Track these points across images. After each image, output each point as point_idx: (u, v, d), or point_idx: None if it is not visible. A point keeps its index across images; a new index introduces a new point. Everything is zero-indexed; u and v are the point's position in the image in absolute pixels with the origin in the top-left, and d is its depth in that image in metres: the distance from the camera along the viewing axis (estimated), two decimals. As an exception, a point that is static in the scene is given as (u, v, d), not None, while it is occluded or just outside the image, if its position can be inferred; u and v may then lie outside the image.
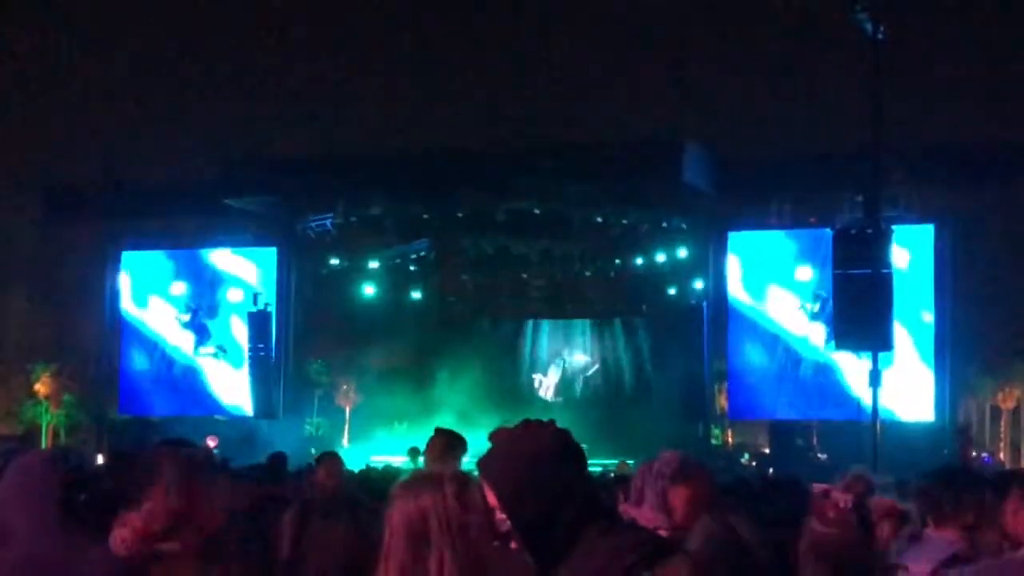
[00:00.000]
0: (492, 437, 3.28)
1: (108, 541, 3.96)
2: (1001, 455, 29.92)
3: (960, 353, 26.15)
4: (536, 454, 3.18)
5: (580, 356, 32.55)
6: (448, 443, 7.87)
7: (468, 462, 8.73)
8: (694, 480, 5.68)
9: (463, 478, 3.31)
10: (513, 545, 3.20)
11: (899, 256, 21.45)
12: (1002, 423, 33.40)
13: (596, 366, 32.35)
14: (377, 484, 9.59)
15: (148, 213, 30.48)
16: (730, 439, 29.45)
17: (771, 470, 22.27)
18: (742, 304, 26.36)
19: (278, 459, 13.92)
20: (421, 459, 16.61)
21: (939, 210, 25.15)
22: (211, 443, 27.18)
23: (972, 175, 25.70)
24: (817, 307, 24.61)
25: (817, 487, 5.53)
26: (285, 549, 4.69)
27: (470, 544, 3.18)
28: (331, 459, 9.70)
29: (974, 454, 27.00)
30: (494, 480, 3.17)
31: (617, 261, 29.55)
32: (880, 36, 18.56)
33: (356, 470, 17.92)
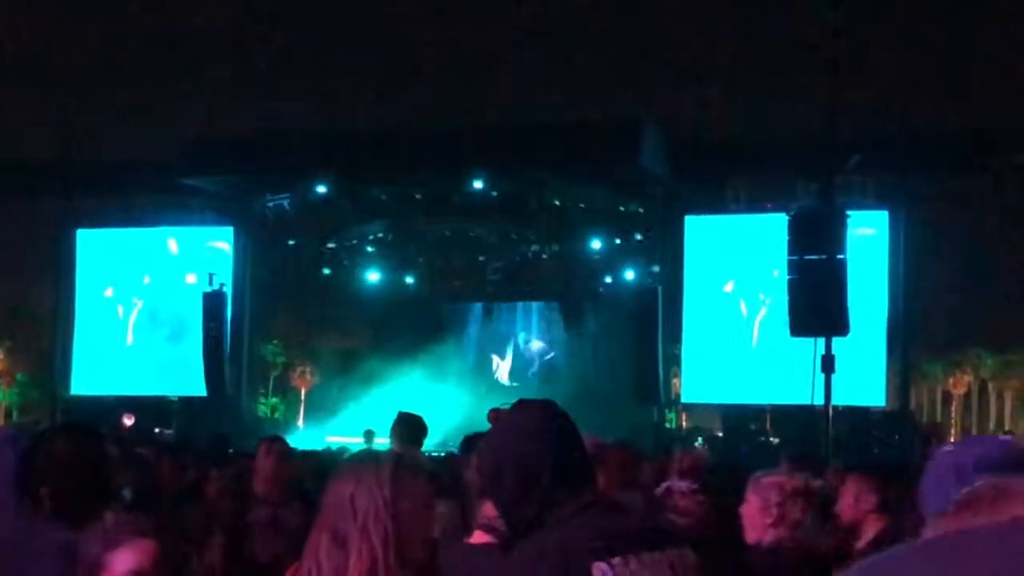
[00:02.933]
0: (489, 417, 3.34)
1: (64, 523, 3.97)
2: (951, 439, 30.19)
3: (911, 339, 26.38)
4: (514, 431, 3.21)
5: (535, 342, 32.67)
6: (411, 427, 7.94)
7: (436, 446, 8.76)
8: (609, 462, 5.78)
9: (403, 463, 3.28)
10: (476, 540, 3.22)
11: (859, 239, 21.57)
12: (953, 408, 33.78)
13: (549, 352, 32.48)
14: (330, 467, 9.57)
15: (104, 191, 30.31)
16: (684, 423, 29.61)
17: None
18: (697, 288, 26.49)
19: (219, 440, 13.96)
20: (376, 441, 16.70)
21: (893, 197, 25.33)
22: (127, 421, 27.13)
23: (928, 163, 25.88)
24: (770, 294, 24.73)
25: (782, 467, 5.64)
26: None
27: (395, 529, 3.15)
28: (271, 443, 8.03)
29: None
30: (479, 456, 3.21)
31: (574, 244, 29.61)
32: (839, 22, 18.65)
33: (310, 449, 17.96)
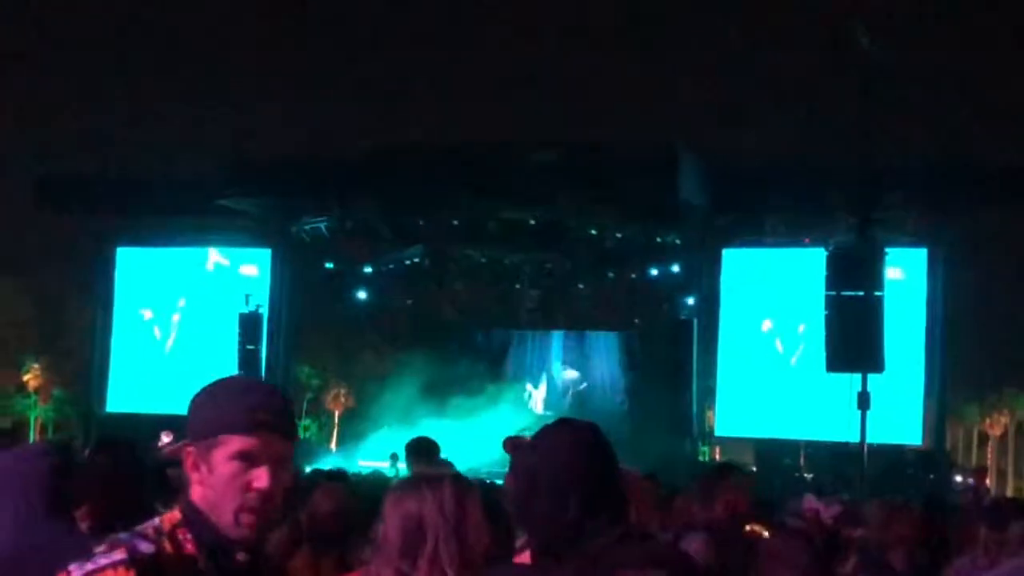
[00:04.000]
0: (505, 447, 3.30)
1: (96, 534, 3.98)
2: (988, 481, 29.96)
3: (948, 378, 26.21)
4: (547, 455, 3.15)
5: (570, 372, 32.58)
6: (423, 450, 8.03)
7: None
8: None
9: (462, 481, 3.34)
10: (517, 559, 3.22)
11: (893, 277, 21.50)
12: (989, 449, 33.49)
13: (583, 382, 32.40)
14: (364, 490, 9.52)
15: (144, 210, 30.48)
16: (717, 456, 29.49)
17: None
18: (733, 321, 26.42)
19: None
20: (400, 465, 16.70)
21: (932, 234, 25.22)
22: (165, 438, 27.15)
23: (968, 199, 25.76)
24: (807, 329, 24.63)
25: (807, 497, 5.60)
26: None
27: (464, 546, 3.21)
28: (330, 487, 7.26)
29: (959, 479, 27.08)
30: (514, 473, 3.18)
31: (610, 274, 29.58)
32: (877, 55, 18.64)
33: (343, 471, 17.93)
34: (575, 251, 29.01)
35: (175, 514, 2.74)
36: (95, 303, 30.42)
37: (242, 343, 26.61)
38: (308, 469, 15.02)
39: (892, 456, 23.87)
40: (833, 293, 19.65)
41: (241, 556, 2.71)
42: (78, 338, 34.94)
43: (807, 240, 25.05)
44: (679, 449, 26.25)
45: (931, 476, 23.92)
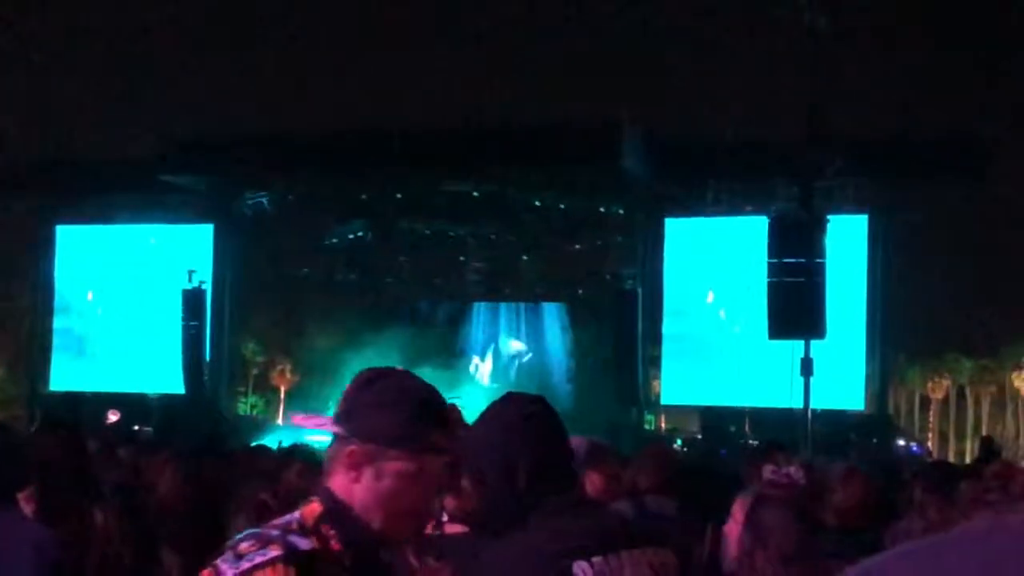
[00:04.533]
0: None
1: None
2: (929, 444, 30.30)
3: (890, 344, 26.45)
4: (495, 425, 3.17)
5: (515, 343, 32.66)
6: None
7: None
8: (603, 465, 5.75)
9: None
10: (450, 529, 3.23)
11: (839, 242, 21.66)
12: (931, 413, 33.85)
13: (528, 353, 32.48)
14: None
15: (83, 189, 30.20)
16: (663, 424, 29.63)
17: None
18: (677, 290, 26.54)
19: (217, 438, 13.88)
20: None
21: (873, 201, 25.39)
22: (112, 417, 27.02)
23: (910, 168, 25.94)
24: (750, 297, 24.80)
25: (767, 468, 5.62)
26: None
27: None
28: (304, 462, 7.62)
29: (901, 442, 27.37)
30: (465, 447, 3.18)
31: (554, 245, 29.63)
32: (820, 24, 18.77)
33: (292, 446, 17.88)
34: (519, 223, 29.05)
35: (314, 507, 2.66)
36: (36, 282, 30.17)
37: (186, 320, 26.48)
38: (254, 443, 14.98)
39: (835, 421, 24.08)
40: (775, 261, 19.81)
41: (385, 556, 2.67)
42: (19, 317, 34.61)
43: (748, 208, 25.19)
44: (625, 418, 26.39)
45: (874, 440, 24.15)
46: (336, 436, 2.72)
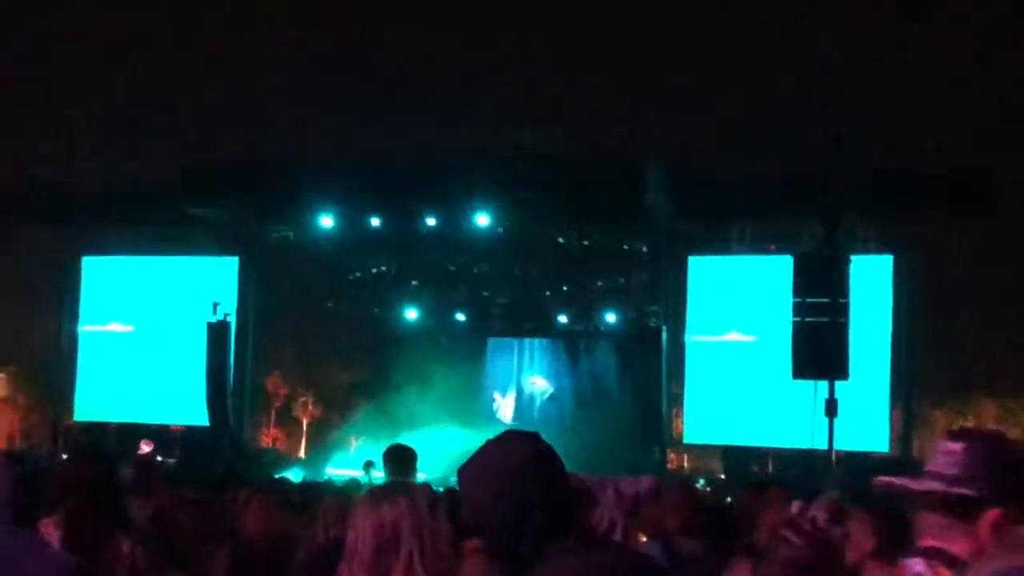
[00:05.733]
0: (478, 450, 3.27)
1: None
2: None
3: (915, 385, 26.32)
4: (506, 465, 3.16)
5: (538, 380, 32.56)
6: (402, 457, 7.96)
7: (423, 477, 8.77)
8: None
9: (432, 491, 3.35)
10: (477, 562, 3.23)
11: (863, 283, 21.57)
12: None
13: (550, 390, 32.38)
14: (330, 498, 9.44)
15: (108, 219, 30.31)
16: (685, 463, 29.55)
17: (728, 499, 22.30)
18: (700, 328, 26.47)
19: (231, 472, 13.89)
20: (375, 473, 16.68)
21: (898, 242, 25.32)
22: (145, 448, 27.03)
23: (933, 206, 25.86)
24: (774, 336, 24.72)
25: (795, 504, 5.56)
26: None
27: (437, 553, 3.21)
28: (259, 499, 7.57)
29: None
30: (466, 491, 3.17)
31: (577, 281, 29.59)
32: (841, 62, 18.82)
33: (315, 480, 17.94)
34: (543, 259, 29.02)
35: None
36: (61, 312, 30.26)
37: (210, 352, 26.52)
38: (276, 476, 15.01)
39: (859, 463, 23.96)
40: (800, 300, 19.77)
41: None
42: (45, 347, 34.72)
43: (773, 247, 25.15)
44: (648, 456, 26.27)
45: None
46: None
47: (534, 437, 3.27)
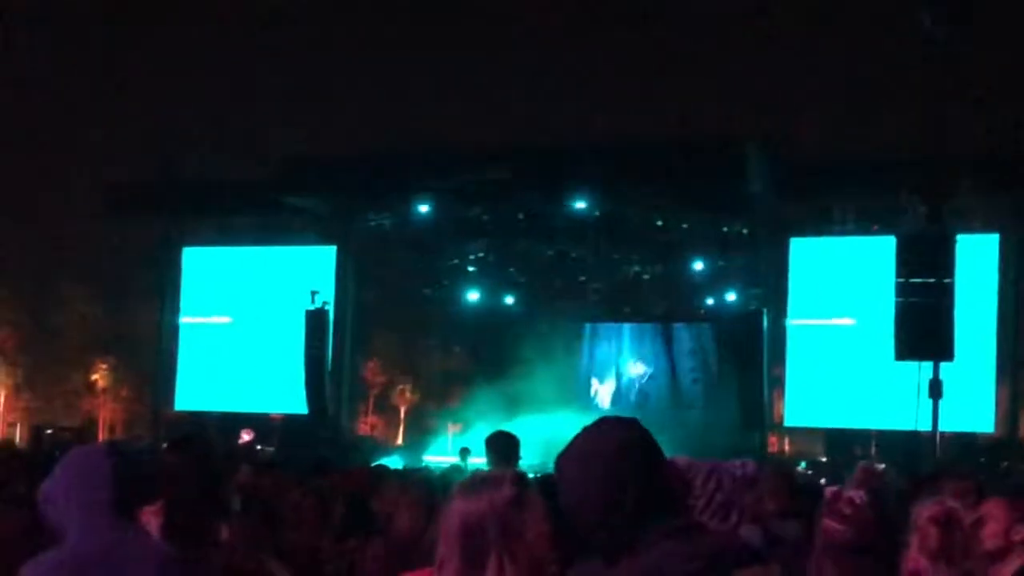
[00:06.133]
0: (576, 435, 3.21)
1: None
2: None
3: (1021, 365, 25.82)
4: (603, 450, 3.10)
5: (636, 365, 32.36)
6: (506, 444, 7.84)
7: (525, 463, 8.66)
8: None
9: (522, 480, 3.24)
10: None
11: (969, 262, 21.19)
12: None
13: (649, 374, 32.15)
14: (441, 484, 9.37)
15: (207, 211, 30.67)
16: (787, 447, 29.26)
17: (823, 480, 22.06)
18: (802, 310, 26.19)
19: (323, 459, 13.92)
20: (471, 459, 16.66)
21: (1003, 220, 24.88)
22: (246, 436, 27.27)
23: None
24: (877, 317, 24.38)
25: (829, 489, 5.41)
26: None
27: (526, 547, 3.12)
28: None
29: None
30: (563, 476, 3.12)
31: (676, 265, 29.36)
32: (943, 35, 18.43)
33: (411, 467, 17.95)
34: (641, 242, 28.83)
35: None
36: (162, 303, 30.62)
37: (309, 340, 26.70)
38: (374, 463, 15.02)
39: (964, 444, 23.58)
40: (903, 280, 19.43)
41: None
42: (146, 338, 35.19)
43: (875, 227, 24.81)
44: (749, 441, 26.05)
45: (1004, 463, 23.59)
46: None
47: (632, 422, 3.21)
